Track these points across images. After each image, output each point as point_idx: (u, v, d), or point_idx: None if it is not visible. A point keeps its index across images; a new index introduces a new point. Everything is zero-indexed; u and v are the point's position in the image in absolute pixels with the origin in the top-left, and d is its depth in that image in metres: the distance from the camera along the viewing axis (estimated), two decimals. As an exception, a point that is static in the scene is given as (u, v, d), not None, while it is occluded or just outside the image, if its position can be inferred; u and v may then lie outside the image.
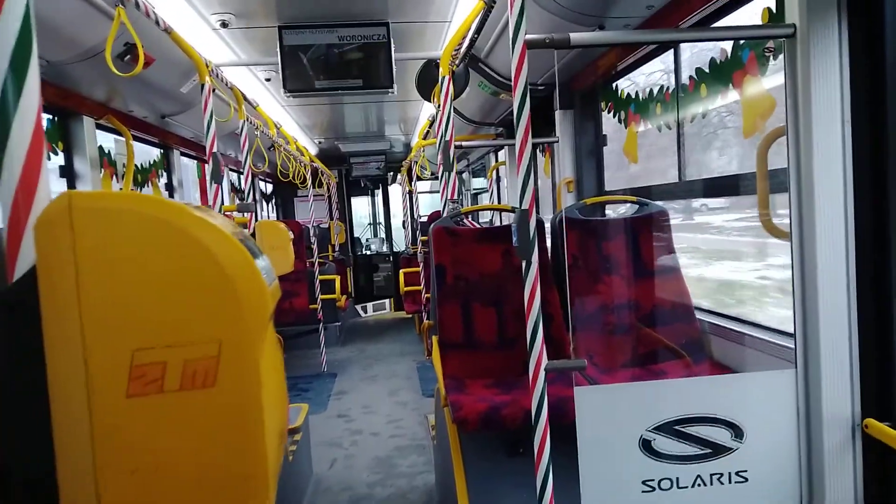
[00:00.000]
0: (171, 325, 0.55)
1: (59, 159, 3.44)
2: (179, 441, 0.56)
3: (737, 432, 1.69)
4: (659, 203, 2.86)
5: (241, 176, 6.83)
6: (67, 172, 3.47)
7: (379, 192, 10.51)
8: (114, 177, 3.88)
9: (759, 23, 2.15)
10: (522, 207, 1.60)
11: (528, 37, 1.57)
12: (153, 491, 0.55)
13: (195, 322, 0.56)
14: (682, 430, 1.68)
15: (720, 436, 1.69)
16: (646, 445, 1.68)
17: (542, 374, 1.62)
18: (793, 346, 1.91)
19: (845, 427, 1.63)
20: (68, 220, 0.53)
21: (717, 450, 1.69)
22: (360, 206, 10.76)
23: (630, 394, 1.71)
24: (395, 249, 10.23)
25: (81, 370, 0.53)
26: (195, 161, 5.54)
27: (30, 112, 0.66)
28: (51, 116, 3.36)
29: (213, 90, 2.96)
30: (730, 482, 1.69)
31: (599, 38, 2.00)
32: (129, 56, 2.82)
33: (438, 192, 10.02)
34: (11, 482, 0.59)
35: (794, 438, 1.69)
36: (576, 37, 1.59)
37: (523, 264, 1.63)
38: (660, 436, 1.68)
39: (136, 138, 3.87)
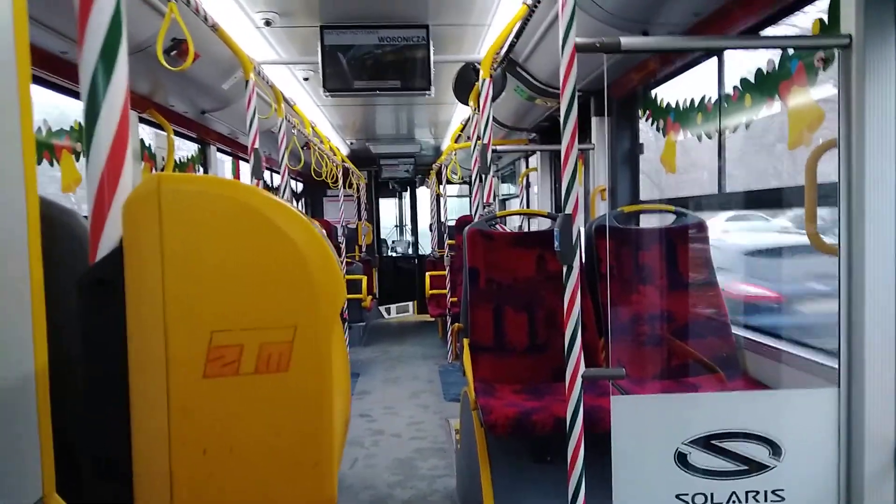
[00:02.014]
0: (249, 309, 0.56)
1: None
2: (252, 423, 0.56)
3: (775, 450, 1.66)
4: (697, 214, 2.82)
5: (275, 173, 6.92)
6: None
7: (407, 195, 10.55)
8: (153, 170, 3.96)
9: (810, 33, 2.11)
10: (566, 212, 1.59)
11: (579, 40, 1.56)
12: (224, 471, 0.56)
13: (272, 307, 0.56)
14: (719, 444, 1.65)
15: (757, 452, 1.66)
16: (681, 459, 1.65)
17: (578, 381, 1.61)
18: (831, 365, 1.88)
19: (887, 449, 1.59)
20: (157, 200, 0.54)
21: (754, 467, 1.66)
22: (388, 208, 10.81)
23: (667, 405, 1.69)
24: (420, 252, 10.26)
25: (161, 349, 0.54)
26: (230, 157, 5.62)
27: (118, 97, 0.68)
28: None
29: (255, 88, 3.01)
30: (766, 500, 1.66)
31: (650, 44, 1.99)
32: (175, 51, 2.88)
33: (466, 196, 10.04)
34: (85, 459, 0.60)
35: (834, 459, 1.65)
36: (626, 41, 1.58)
37: (564, 270, 1.62)
38: (695, 449, 1.65)
39: (175, 133, 3.94)
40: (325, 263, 0.58)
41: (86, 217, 0.77)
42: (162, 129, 3.76)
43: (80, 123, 3.35)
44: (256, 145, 2.92)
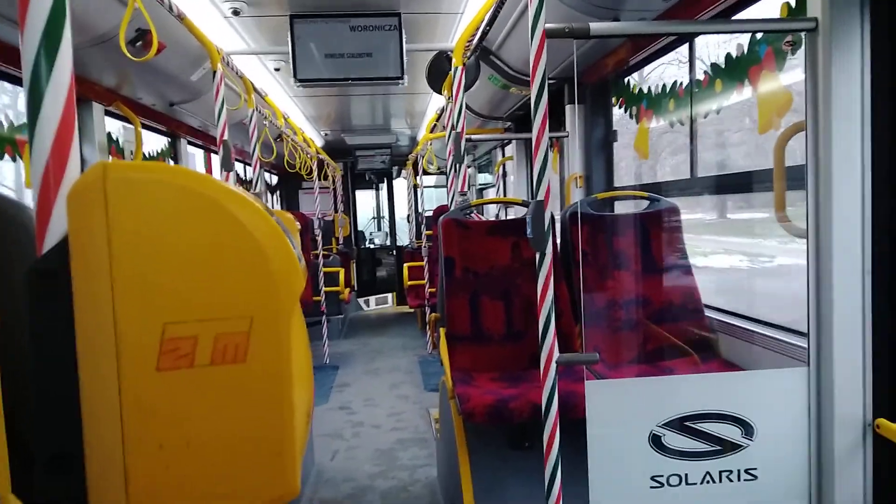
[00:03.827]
0: (204, 299, 0.54)
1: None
2: (208, 416, 0.55)
3: (747, 430, 1.68)
4: (670, 199, 2.84)
5: (248, 166, 6.83)
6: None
7: (384, 186, 10.50)
8: (121, 163, 3.88)
9: (779, 17, 2.13)
10: (538, 199, 1.59)
11: (548, 26, 1.55)
12: (181, 466, 0.54)
13: (227, 297, 0.55)
14: (692, 426, 1.67)
15: (730, 433, 1.68)
16: (655, 441, 1.67)
17: (553, 367, 1.61)
18: (802, 345, 1.90)
19: (856, 427, 1.62)
20: (102, 189, 0.52)
21: (727, 447, 1.68)
22: (365, 200, 10.75)
23: (640, 389, 1.71)
24: (398, 244, 10.23)
25: (112, 342, 0.52)
26: (202, 150, 5.54)
27: (62, 83, 0.65)
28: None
29: (224, 78, 2.95)
30: (739, 479, 1.69)
31: (619, 29, 1.98)
32: (140, 42, 2.81)
33: (444, 186, 10.04)
34: (37, 455, 0.58)
35: (805, 437, 1.68)
36: (595, 26, 1.58)
37: (537, 256, 1.62)
38: (669, 431, 1.67)
39: (144, 126, 3.86)
40: (282, 253, 0.56)
41: None
42: (130, 122, 3.68)
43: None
44: (226, 137, 2.87)
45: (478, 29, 2.96)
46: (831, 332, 1.60)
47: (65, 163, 0.64)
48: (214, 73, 2.87)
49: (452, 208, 3.06)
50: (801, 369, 1.68)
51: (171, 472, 0.54)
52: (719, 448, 1.68)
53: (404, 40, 3.51)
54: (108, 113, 3.57)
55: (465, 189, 3.01)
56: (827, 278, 1.60)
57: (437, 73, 3.81)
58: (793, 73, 2.16)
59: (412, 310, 8.06)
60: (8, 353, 0.73)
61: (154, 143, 4.52)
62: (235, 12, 3.34)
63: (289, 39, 3.47)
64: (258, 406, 0.56)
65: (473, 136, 3.93)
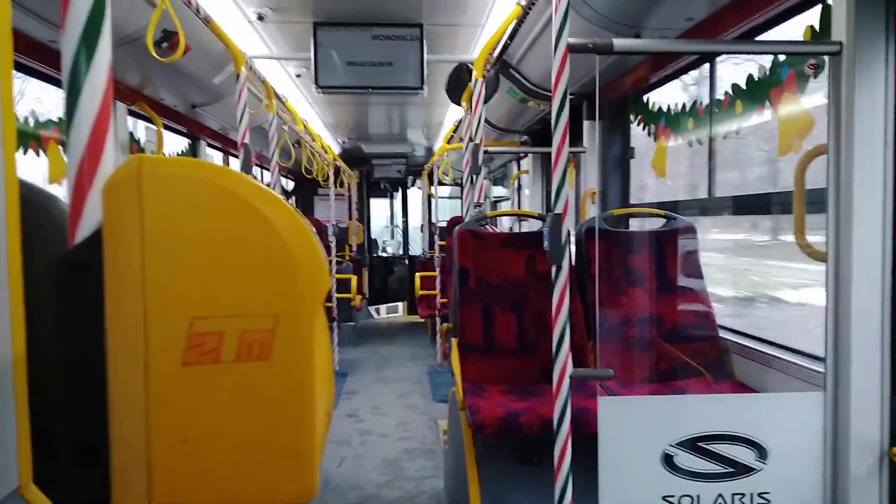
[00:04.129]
0: (231, 296, 0.55)
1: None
2: (232, 412, 0.55)
3: (761, 453, 1.66)
4: (686, 218, 2.83)
5: (265, 170, 6.88)
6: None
7: (398, 195, 10.53)
8: (141, 164, 3.92)
9: (803, 39, 2.13)
10: (556, 212, 1.59)
11: (571, 40, 1.56)
12: (203, 460, 0.55)
13: (254, 294, 0.55)
14: (705, 446, 1.66)
15: (744, 455, 1.66)
16: (667, 460, 1.65)
17: (566, 381, 1.60)
18: (818, 370, 1.88)
19: (873, 454, 1.59)
20: (137, 183, 0.53)
21: (740, 469, 1.66)
22: (379, 208, 10.79)
23: (654, 407, 1.69)
24: (411, 253, 10.24)
25: (140, 335, 0.52)
26: (221, 153, 5.59)
27: (100, 80, 0.67)
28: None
29: (247, 82, 2.99)
30: (751, 502, 1.66)
31: (643, 46, 1.99)
32: (166, 43, 2.85)
33: (458, 197, 10.06)
34: (63, 446, 0.59)
35: (820, 462, 1.66)
36: (619, 42, 1.58)
37: (553, 269, 1.62)
38: (682, 451, 1.65)
39: (165, 127, 3.91)
40: (309, 252, 0.57)
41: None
42: (152, 122, 3.73)
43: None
44: (246, 140, 2.90)
45: (499, 42, 2.98)
46: (849, 358, 1.58)
47: (99, 156, 0.65)
48: (238, 76, 2.91)
49: (468, 219, 3.06)
50: (818, 394, 1.66)
51: (193, 466, 0.55)
52: (732, 470, 1.66)
53: (425, 51, 3.54)
54: (130, 112, 3.62)
55: (482, 200, 3.02)
56: (846, 303, 1.58)
57: (457, 84, 3.83)
58: (814, 97, 2.15)
59: (423, 320, 8.05)
60: (31, 343, 0.74)
61: (174, 143, 4.57)
62: (260, 17, 3.38)
63: (311, 46, 3.51)
64: (280, 405, 0.56)
65: (491, 149, 3.94)
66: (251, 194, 0.56)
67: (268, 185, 3.51)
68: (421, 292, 7.15)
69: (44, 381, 0.74)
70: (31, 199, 0.81)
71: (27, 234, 0.73)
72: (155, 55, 2.15)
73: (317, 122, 6.62)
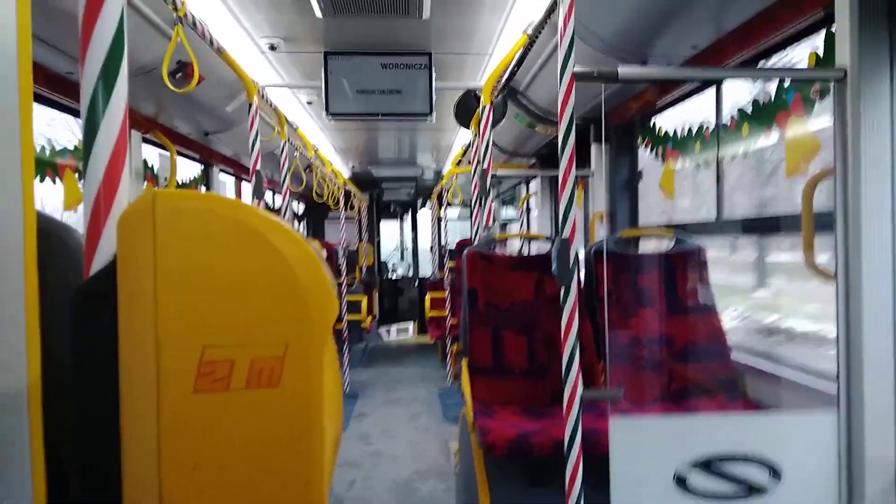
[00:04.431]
0: (241, 325, 0.57)
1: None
2: (242, 439, 0.57)
3: (774, 473, 1.65)
4: (696, 241, 2.84)
5: (277, 195, 6.96)
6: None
7: (408, 217, 10.59)
8: (156, 190, 3.99)
9: (806, 66, 2.15)
10: (564, 236, 1.61)
11: (577, 69, 1.60)
12: (214, 487, 0.56)
13: (264, 323, 0.57)
14: (718, 466, 1.65)
15: (756, 476, 1.65)
16: (680, 481, 1.65)
17: (577, 401, 1.61)
18: (831, 390, 1.87)
19: (888, 472, 1.58)
20: (151, 216, 0.55)
21: (753, 490, 1.65)
22: (389, 231, 10.85)
23: (666, 427, 1.69)
24: (421, 275, 10.26)
25: (153, 363, 0.55)
26: (233, 178, 5.67)
27: (117, 113, 0.70)
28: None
29: (259, 110, 3.05)
30: None
31: (647, 74, 2.03)
32: (180, 74, 2.93)
33: (467, 219, 10.06)
34: (74, 472, 0.60)
35: (835, 483, 1.65)
36: (623, 71, 1.61)
37: (561, 291, 1.64)
38: (694, 472, 1.65)
39: (178, 153, 3.98)
40: (318, 281, 0.59)
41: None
42: (166, 149, 3.80)
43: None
44: (258, 167, 2.95)
45: (506, 69, 3.03)
46: (861, 377, 1.58)
47: (115, 190, 0.68)
48: (250, 105, 2.97)
49: (477, 242, 3.09)
50: (831, 413, 1.65)
51: (204, 493, 0.56)
52: (745, 492, 1.65)
53: (434, 78, 3.60)
54: (145, 140, 3.69)
55: (490, 223, 3.04)
56: (857, 322, 1.59)
57: (465, 109, 3.89)
58: (820, 119, 2.17)
59: (433, 341, 8.04)
60: (46, 370, 0.76)
61: (188, 170, 4.65)
62: (272, 47, 3.46)
63: (322, 75, 3.58)
64: (290, 431, 0.58)
65: (499, 172, 3.98)
66: (261, 226, 0.58)
67: (279, 210, 3.58)
68: (431, 313, 7.16)
69: (56, 408, 0.77)
70: (48, 230, 0.84)
71: (43, 264, 0.76)
72: (170, 86, 2.20)
73: (327, 147, 6.70)
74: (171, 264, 0.56)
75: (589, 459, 1.65)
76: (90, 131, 0.71)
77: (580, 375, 1.62)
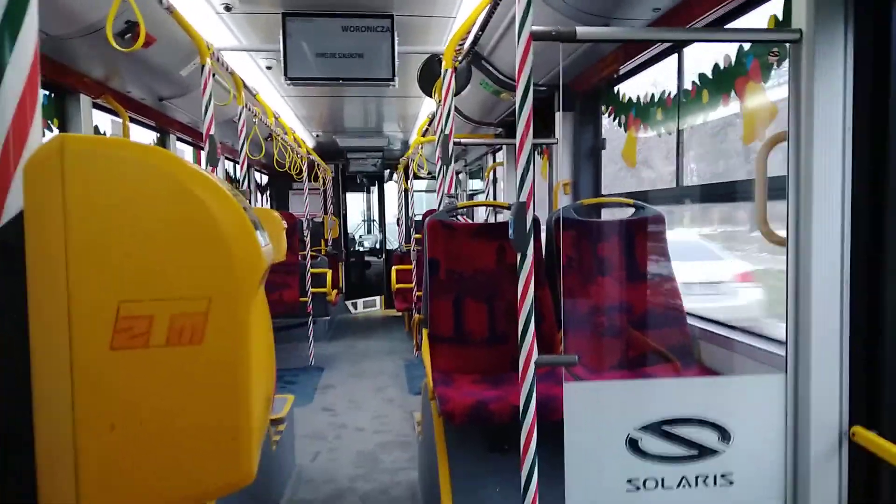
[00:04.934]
0: (161, 279, 0.53)
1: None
2: (163, 398, 0.54)
3: (724, 435, 1.69)
4: (655, 207, 2.86)
5: (237, 164, 6.79)
6: (62, 150, 3.44)
7: (374, 189, 10.49)
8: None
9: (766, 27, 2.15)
10: (520, 200, 1.59)
11: (535, 28, 1.56)
12: (133, 448, 0.53)
13: (185, 277, 0.54)
14: (670, 430, 1.68)
15: (707, 438, 1.68)
16: (632, 444, 1.67)
17: (531, 368, 1.61)
18: (782, 354, 1.91)
19: (833, 434, 1.63)
20: (59, 162, 0.51)
21: (704, 452, 1.68)
22: (355, 203, 10.74)
23: (619, 392, 1.71)
24: (388, 247, 10.21)
25: (65, 319, 0.51)
26: (192, 147, 5.51)
27: (25, 57, 0.64)
28: (48, 93, 3.33)
29: (213, 74, 2.94)
30: (715, 484, 1.69)
31: (605, 34, 2.00)
32: (129, 34, 2.79)
33: (434, 191, 10.01)
34: None
35: (782, 443, 1.69)
36: (582, 30, 1.58)
37: (518, 258, 1.62)
38: (647, 435, 1.67)
39: (132, 120, 3.84)
40: (243, 233, 0.55)
41: None
42: (118, 115, 3.66)
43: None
44: (212, 132, 2.86)
45: (469, 32, 2.97)
46: (809, 340, 1.61)
47: (24, 139, 0.63)
48: (203, 67, 2.86)
49: (440, 210, 3.06)
50: (779, 376, 1.69)
51: (123, 453, 0.53)
52: (696, 453, 1.68)
53: (396, 42, 3.52)
54: (96, 106, 3.55)
55: (452, 191, 3.01)
56: (806, 286, 1.61)
57: (429, 76, 3.82)
58: (779, 89, 2.18)
59: (400, 313, 8.04)
60: None
61: (142, 138, 4.50)
62: (227, 8, 3.33)
63: (281, 37, 3.47)
64: (214, 389, 0.55)
65: (462, 140, 3.94)
66: (183, 175, 0.54)
67: (238, 179, 3.48)
68: (397, 286, 7.14)
69: None
70: None
71: None
72: (116, 46, 2.10)
73: (290, 115, 6.55)
74: (83, 213, 0.52)
75: (547, 425, 1.66)
76: None
77: (535, 341, 1.61)
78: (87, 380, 0.52)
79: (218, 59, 3.19)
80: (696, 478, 1.68)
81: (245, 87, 3.86)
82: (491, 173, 6.80)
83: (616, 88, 3.56)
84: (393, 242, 10.19)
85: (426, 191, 10.84)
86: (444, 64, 2.98)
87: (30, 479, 0.53)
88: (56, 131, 3.41)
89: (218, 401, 0.55)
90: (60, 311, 0.51)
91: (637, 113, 3.26)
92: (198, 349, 0.54)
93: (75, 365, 0.51)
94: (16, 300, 0.53)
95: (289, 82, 3.53)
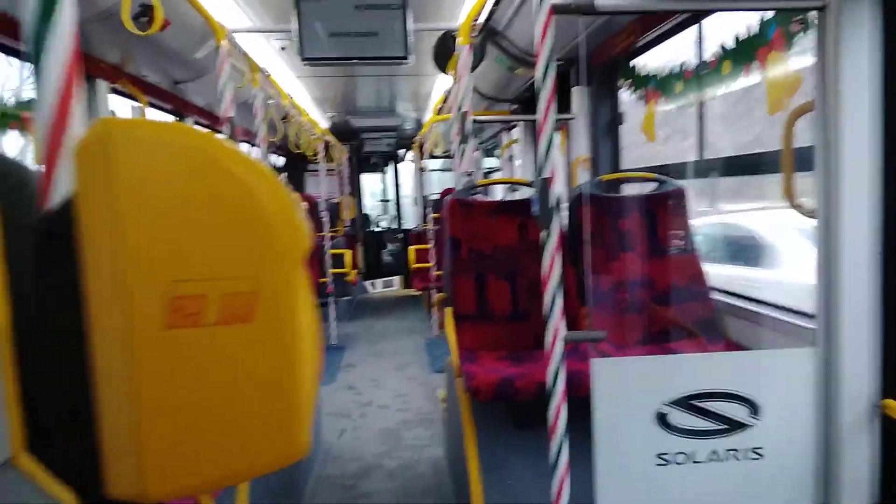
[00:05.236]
0: (211, 259, 0.54)
1: (72, 123, 3.44)
2: (219, 374, 0.55)
3: (753, 409, 1.68)
4: (677, 181, 2.83)
5: (254, 147, 6.81)
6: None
7: (390, 169, 10.47)
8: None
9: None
10: (544, 176, 1.58)
11: (555, 1, 1.54)
12: (192, 423, 0.55)
13: (233, 257, 0.54)
14: (699, 404, 1.68)
15: (736, 412, 1.68)
16: (661, 419, 1.67)
17: (559, 343, 1.61)
18: (809, 327, 1.89)
19: (863, 407, 1.62)
20: (107, 146, 0.51)
21: (733, 426, 1.68)
22: (371, 183, 10.73)
23: (647, 367, 1.71)
24: (404, 226, 10.22)
25: (121, 300, 0.52)
26: (209, 130, 5.53)
27: (62, 45, 0.65)
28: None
29: (229, 56, 2.94)
30: (745, 458, 1.69)
31: (626, 5, 1.96)
32: (144, 18, 2.79)
33: (450, 169, 9.95)
34: (49, 418, 0.58)
35: (811, 417, 1.68)
36: (601, 2, 1.56)
37: (542, 234, 1.62)
38: (675, 410, 1.67)
39: (150, 104, 3.86)
40: (285, 212, 0.56)
41: None
42: (135, 99, 3.67)
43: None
44: (230, 114, 2.87)
45: (483, 7, 2.94)
46: (839, 313, 1.59)
47: (66, 124, 0.64)
48: (218, 49, 2.86)
49: (458, 189, 3.05)
50: (809, 350, 1.68)
51: (183, 429, 0.54)
52: (726, 427, 1.68)
53: (410, 19, 3.48)
54: (113, 91, 3.56)
55: (471, 169, 3.00)
56: (836, 259, 1.59)
57: (444, 52, 3.78)
58: (802, 59, 2.13)
59: (418, 293, 8.07)
60: (16, 313, 0.73)
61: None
62: (241, -11, 3.31)
63: (294, 17, 3.45)
64: (266, 365, 0.56)
65: (479, 118, 3.91)
66: (226, 156, 0.54)
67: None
68: (416, 265, 7.16)
69: (30, 352, 0.74)
70: (4, 170, 0.79)
71: (2, 205, 0.72)
72: (134, 29, 2.10)
73: (304, 96, 6.54)
74: (132, 196, 0.52)
75: (571, 401, 1.67)
76: (36, 65, 0.66)
77: (563, 318, 1.62)
78: (146, 359, 0.53)
79: (232, 42, 3.19)
80: (727, 451, 1.68)
81: (259, 69, 3.85)
82: (507, 151, 6.76)
83: (633, 62, 3.50)
84: (410, 222, 10.20)
85: (441, 169, 10.81)
86: (459, 40, 2.94)
87: (95, 460, 0.55)
88: (75, 118, 3.43)
89: (271, 377, 0.56)
90: (116, 292, 0.52)
91: (658, 86, 3.22)
92: (249, 327, 0.55)
93: (134, 345, 0.52)
94: (70, 285, 0.54)
95: (305, 63, 3.52)
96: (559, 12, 1.54)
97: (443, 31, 3.80)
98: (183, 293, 0.53)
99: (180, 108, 4.59)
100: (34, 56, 0.66)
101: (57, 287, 0.56)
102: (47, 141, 0.64)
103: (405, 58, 3.51)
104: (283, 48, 4.51)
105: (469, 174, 2.99)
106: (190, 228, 0.53)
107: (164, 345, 0.52)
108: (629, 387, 1.67)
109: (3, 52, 2.80)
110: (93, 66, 3.26)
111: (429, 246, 6.51)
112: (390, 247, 10.11)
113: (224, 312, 0.54)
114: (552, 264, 1.59)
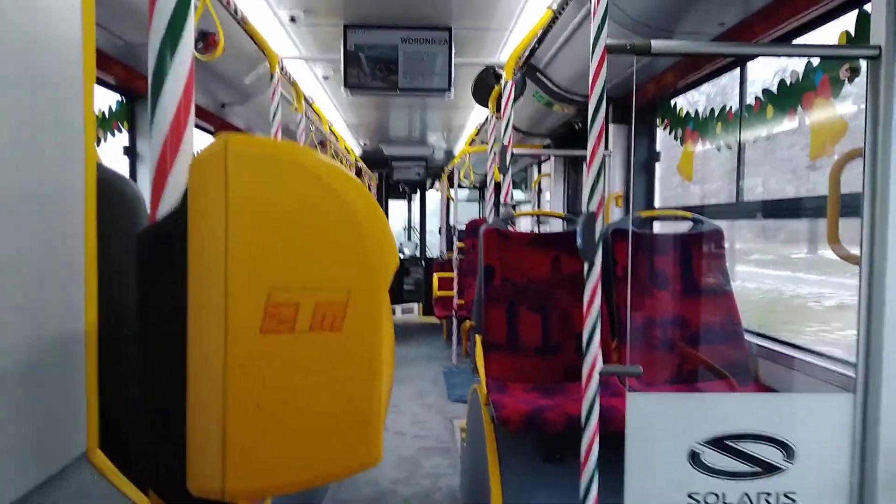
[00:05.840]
0: (306, 270, 0.57)
1: (123, 139, 3.56)
2: (304, 380, 0.58)
3: (788, 453, 1.67)
4: (714, 222, 2.84)
5: None
6: (130, 152, 3.59)
7: (416, 197, 10.58)
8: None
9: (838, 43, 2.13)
10: (590, 210, 1.61)
11: (609, 41, 1.59)
12: (275, 426, 0.57)
13: (328, 269, 0.58)
14: (732, 445, 1.66)
15: (771, 455, 1.67)
16: (694, 458, 1.66)
17: (595, 377, 1.62)
18: (844, 373, 1.88)
19: None
20: (224, 160, 0.55)
21: (767, 469, 1.67)
22: (397, 210, 10.84)
23: (682, 403, 1.70)
24: (428, 255, 10.28)
25: (222, 304, 0.55)
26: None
27: (183, 65, 0.70)
28: (120, 97, 3.49)
29: (279, 82, 3.04)
30: (777, 502, 1.67)
31: (680, 48, 2.01)
32: (201, 43, 2.91)
33: (475, 201, 9.97)
34: (137, 413, 0.61)
35: (848, 465, 1.66)
36: (657, 44, 1.60)
37: (585, 267, 1.64)
38: (709, 449, 1.66)
39: (195, 125, 3.98)
40: (380, 230, 0.59)
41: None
42: None
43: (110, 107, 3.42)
44: (278, 138, 2.95)
45: (529, 45, 3.01)
46: (881, 361, 1.58)
47: (180, 139, 0.69)
48: (272, 76, 2.96)
49: (491, 219, 3.09)
50: (847, 395, 1.66)
51: (266, 431, 0.57)
52: (758, 469, 1.67)
53: (453, 54, 3.58)
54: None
55: (508, 200, 3.05)
56: (879, 306, 1.59)
57: (483, 86, 3.86)
58: (846, 103, 2.15)
59: (438, 321, 8.08)
60: (106, 316, 0.78)
61: (202, 142, 4.65)
62: (293, 19, 3.44)
63: (341, 47, 3.56)
64: (350, 375, 0.59)
65: (516, 151, 3.96)
66: (327, 172, 0.58)
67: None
68: (438, 293, 7.18)
69: (119, 354, 0.78)
70: (105, 179, 0.85)
71: (101, 212, 0.77)
72: (196, 55, 2.20)
73: (340, 123, 6.69)
74: (241, 208, 0.56)
75: (602, 436, 1.67)
76: (157, 83, 0.72)
77: (600, 352, 1.63)
78: (239, 361, 0.56)
79: (282, 69, 3.30)
80: (759, 494, 1.67)
81: (304, 95, 3.97)
82: (537, 184, 6.81)
83: (672, 102, 3.55)
84: (433, 251, 10.25)
85: (468, 200, 10.88)
86: (504, 76, 3.02)
87: (180, 454, 0.57)
88: (125, 133, 3.56)
89: (353, 386, 0.59)
90: (218, 296, 0.55)
91: (695, 126, 3.25)
92: (338, 336, 0.58)
93: (229, 347, 0.55)
94: (173, 286, 0.58)
95: (347, 92, 3.62)
96: (614, 52, 1.59)
97: (483, 66, 3.89)
98: (279, 300, 0.56)
99: (218, 128, 4.73)
100: (156, 72, 0.72)
101: (160, 288, 0.60)
102: (161, 153, 0.69)
103: (447, 90, 3.59)
104: (325, 77, 4.64)
105: (506, 205, 3.03)
106: (290, 239, 0.57)
107: (258, 349, 0.55)
108: (664, 423, 1.67)
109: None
110: (144, 86, 3.39)
111: (452, 274, 6.53)
112: (412, 274, 10.15)
113: (316, 320, 0.57)
114: (592, 298, 1.61)
